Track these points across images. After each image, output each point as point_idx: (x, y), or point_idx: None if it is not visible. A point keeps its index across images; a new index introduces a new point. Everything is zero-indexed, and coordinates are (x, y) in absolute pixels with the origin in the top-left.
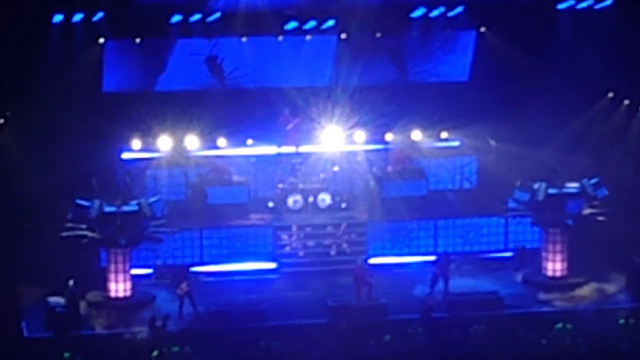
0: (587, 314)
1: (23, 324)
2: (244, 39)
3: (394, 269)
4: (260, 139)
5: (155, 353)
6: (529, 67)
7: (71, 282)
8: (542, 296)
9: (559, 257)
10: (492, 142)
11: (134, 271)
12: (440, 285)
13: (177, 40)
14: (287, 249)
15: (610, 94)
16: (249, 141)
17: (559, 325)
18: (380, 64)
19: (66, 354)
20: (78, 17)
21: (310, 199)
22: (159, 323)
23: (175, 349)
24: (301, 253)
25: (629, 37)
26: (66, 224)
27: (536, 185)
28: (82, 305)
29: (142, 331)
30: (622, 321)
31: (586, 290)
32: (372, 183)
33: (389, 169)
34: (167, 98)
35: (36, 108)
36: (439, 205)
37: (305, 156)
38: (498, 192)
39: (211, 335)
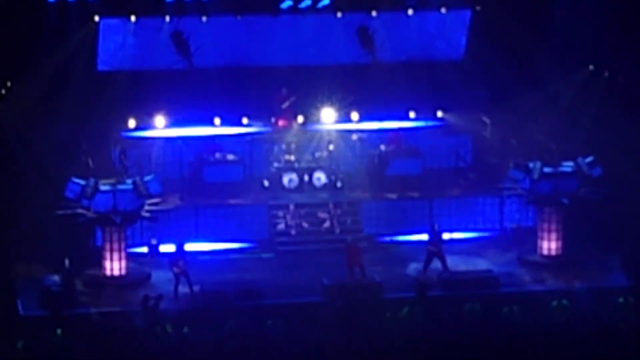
0: (581, 293)
1: (18, 301)
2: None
3: (389, 248)
4: (255, 117)
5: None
6: (524, 45)
7: (67, 261)
8: (537, 275)
9: (554, 235)
10: (486, 120)
11: (130, 249)
12: (435, 263)
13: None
14: (283, 227)
15: (606, 73)
16: (244, 120)
17: (554, 303)
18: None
19: (59, 331)
20: None
21: (306, 178)
22: (151, 302)
23: (169, 328)
24: (296, 232)
25: (628, 13)
26: (62, 202)
27: (531, 164)
28: (78, 283)
29: (136, 310)
30: (621, 300)
31: (581, 269)
32: (367, 162)
33: (385, 147)
34: (162, 77)
35: (31, 87)
36: (435, 184)
37: (301, 135)
38: (493, 171)
39: (206, 314)
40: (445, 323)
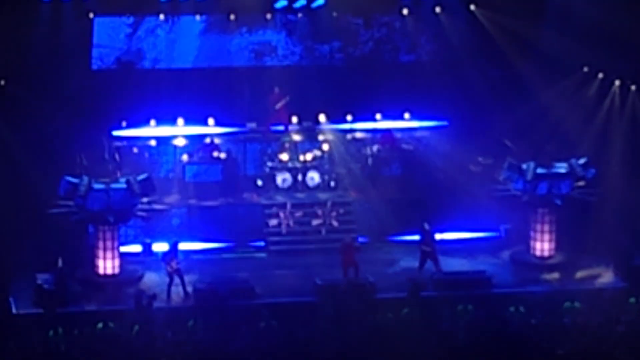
0: (575, 294)
1: (11, 300)
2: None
3: (383, 247)
4: (248, 117)
5: (136, 328)
6: (519, 48)
7: (60, 259)
8: (530, 276)
9: (547, 237)
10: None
11: (123, 248)
12: (429, 263)
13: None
14: (276, 227)
15: (600, 75)
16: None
17: (547, 304)
18: (370, 44)
19: (52, 329)
20: None
21: (299, 178)
22: (145, 301)
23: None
24: (289, 231)
25: (620, 13)
26: (55, 200)
27: (525, 165)
28: (71, 282)
29: (129, 309)
30: (614, 300)
31: (574, 270)
32: (360, 162)
33: (378, 148)
34: (156, 76)
35: (25, 85)
36: (428, 184)
37: (294, 135)
38: (487, 171)
39: (199, 313)
40: (438, 323)
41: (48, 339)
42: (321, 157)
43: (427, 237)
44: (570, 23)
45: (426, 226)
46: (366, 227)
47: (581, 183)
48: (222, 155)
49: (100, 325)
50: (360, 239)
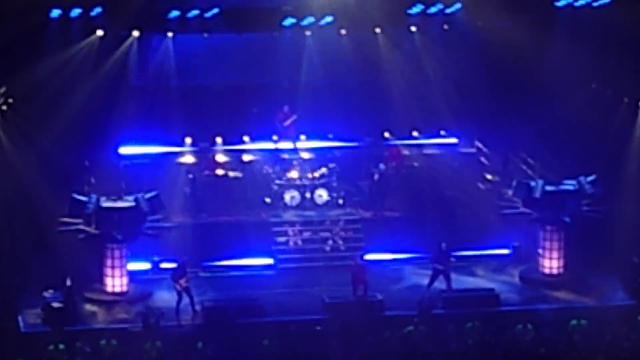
0: (583, 311)
1: (20, 318)
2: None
3: (391, 265)
4: (257, 135)
5: (147, 346)
6: (528, 63)
7: (68, 277)
8: (538, 293)
9: (555, 254)
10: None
11: (131, 266)
12: (439, 281)
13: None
14: (284, 244)
15: (608, 91)
16: (246, 138)
17: (556, 322)
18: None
19: (60, 347)
20: (76, 12)
21: (307, 195)
22: (152, 319)
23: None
24: (298, 249)
25: (628, 34)
26: (63, 218)
27: (533, 183)
28: (79, 300)
29: (137, 327)
30: (623, 318)
31: (582, 288)
32: (369, 179)
33: (386, 165)
34: (164, 93)
35: (33, 102)
36: (436, 201)
37: (303, 152)
38: (495, 189)
39: (208, 331)
40: (447, 341)
41: (56, 357)
42: (329, 174)
43: (442, 257)
44: (579, 40)
45: (443, 246)
46: (375, 245)
47: (589, 200)
48: (232, 174)
49: (108, 343)
50: (369, 257)
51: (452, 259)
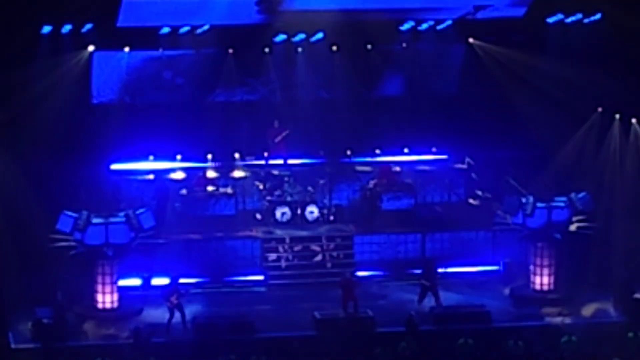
0: (575, 328)
1: (10, 334)
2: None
3: (382, 282)
4: (248, 151)
5: None
6: (518, 82)
7: (58, 293)
8: (529, 310)
9: (546, 271)
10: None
11: (122, 282)
12: (429, 297)
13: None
14: (275, 261)
15: (600, 109)
16: (236, 154)
17: (547, 338)
18: (369, 77)
19: None
20: (67, 28)
21: (298, 211)
22: (143, 336)
23: None
24: (289, 265)
25: (618, 51)
26: (53, 235)
27: (524, 199)
28: (69, 316)
29: (128, 343)
30: (614, 335)
31: (574, 305)
32: (359, 196)
33: (376, 182)
34: (154, 110)
35: (24, 119)
36: (427, 218)
37: (293, 168)
38: (486, 205)
39: (199, 347)
40: (438, 357)
41: None
42: (320, 191)
43: (429, 272)
44: (570, 56)
45: (430, 261)
46: (365, 261)
47: (580, 217)
48: (222, 190)
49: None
50: (359, 273)
51: (439, 276)
